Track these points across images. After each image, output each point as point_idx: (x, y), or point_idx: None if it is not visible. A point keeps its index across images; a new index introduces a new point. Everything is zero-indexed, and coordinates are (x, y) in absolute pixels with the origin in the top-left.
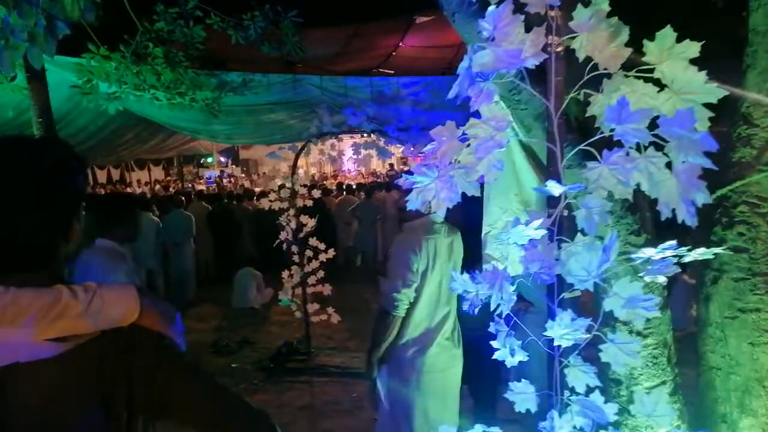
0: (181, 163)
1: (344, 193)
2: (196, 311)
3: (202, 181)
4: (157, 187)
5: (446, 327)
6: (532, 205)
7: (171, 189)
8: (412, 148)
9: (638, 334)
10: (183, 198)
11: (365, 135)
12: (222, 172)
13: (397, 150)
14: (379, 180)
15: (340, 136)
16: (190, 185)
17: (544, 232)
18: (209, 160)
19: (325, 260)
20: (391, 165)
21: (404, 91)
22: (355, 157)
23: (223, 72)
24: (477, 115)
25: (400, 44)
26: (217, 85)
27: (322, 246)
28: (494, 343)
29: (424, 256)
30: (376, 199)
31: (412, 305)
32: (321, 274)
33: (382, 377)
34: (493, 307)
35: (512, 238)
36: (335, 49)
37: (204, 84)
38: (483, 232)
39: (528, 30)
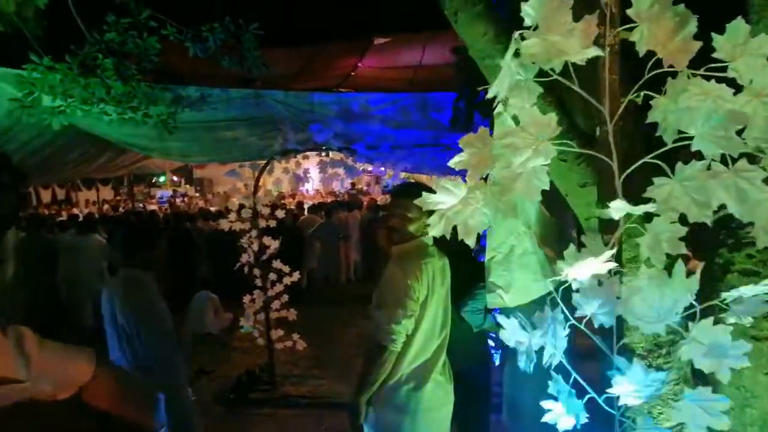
0: (132, 183)
1: (305, 212)
2: None
3: (153, 200)
4: (106, 207)
5: (441, 360)
6: (532, 227)
7: (121, 209)
8: (381, 167)
9: (657, 368)
10: (134, 218)
11: (327, 154)
12: (175, 191)
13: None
14: (339, 199)
15: (305, 153)
16: (141, 205)
17: (612, 264)
18: (161, 179)
19: (289, 283)
20: (353, 184)
21: (372, 108)
22: (321, 175)
23: (179, 86)
24: (455, 136)
25: (359, 64)
26: (173, 99)
27: (286, 269)
28: (547, 404)
29: (424, 282)
30: (339, 219)
31: (409, 338)
32: (285, 298)
33: (369, 421)
34: (546, 358)
35: (572, 273)
36: (294, 70)
37: (158, 98)
38: (487, 257)
39: (577, 19)
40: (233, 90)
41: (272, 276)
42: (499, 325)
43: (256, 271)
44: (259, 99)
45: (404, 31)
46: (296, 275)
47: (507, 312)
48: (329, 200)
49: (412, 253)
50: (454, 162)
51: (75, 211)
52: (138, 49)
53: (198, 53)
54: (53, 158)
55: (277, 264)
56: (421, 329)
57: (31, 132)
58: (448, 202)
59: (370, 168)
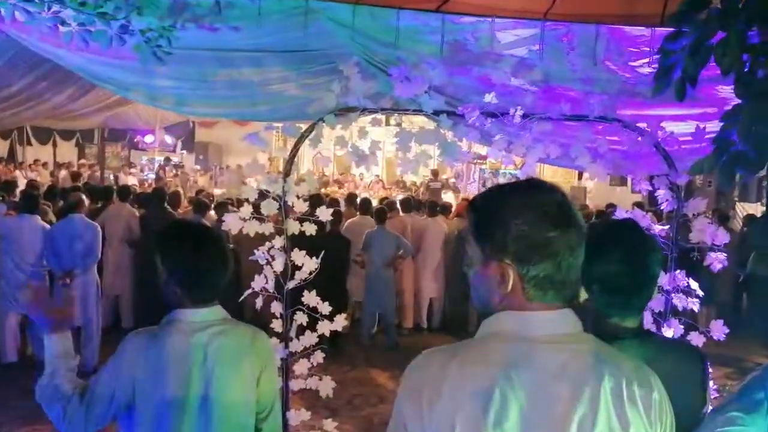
0: (104, 140)
1: (357, 212)
2: None
3: (133, 170)
4: (63, 173)
5: None
6: None
7: (84, 178)
8: (504, 151)
9: None
10: (83, 197)
11: (394, 121)
12: (168, 159)
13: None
14: (411, 195)
15: (376, 116)
16: (113, 175)
17: None
18: (147, 139)
19: (328, 334)
20: (435, 172)
21: (500, 43)
22: (399, 154)
23: None
24: None
25: None
26: (170, 8)
27: (325, 308)
28: None
29: (463, 412)
30: (415, 228)
31: None
32: (319, 357)
33: None
34: None
35: None
36: None
37: (146, 5)
38: None
39: None
40: None
41: (300, 317)
42: None
43: (276, 307)
44: (310, 17)
45: None
46: (340, 319)
47: None
48: (399, 196)
49: (484, 345)
50: None
51: (16, 173)
52: None
53: None
54: None
55: (310, 297)
56: None
57: None
58: None
59: (483, 151)
